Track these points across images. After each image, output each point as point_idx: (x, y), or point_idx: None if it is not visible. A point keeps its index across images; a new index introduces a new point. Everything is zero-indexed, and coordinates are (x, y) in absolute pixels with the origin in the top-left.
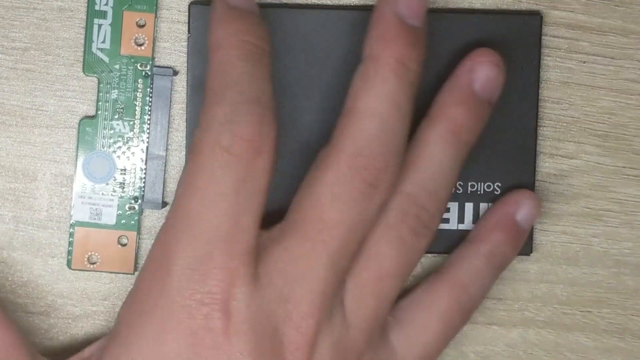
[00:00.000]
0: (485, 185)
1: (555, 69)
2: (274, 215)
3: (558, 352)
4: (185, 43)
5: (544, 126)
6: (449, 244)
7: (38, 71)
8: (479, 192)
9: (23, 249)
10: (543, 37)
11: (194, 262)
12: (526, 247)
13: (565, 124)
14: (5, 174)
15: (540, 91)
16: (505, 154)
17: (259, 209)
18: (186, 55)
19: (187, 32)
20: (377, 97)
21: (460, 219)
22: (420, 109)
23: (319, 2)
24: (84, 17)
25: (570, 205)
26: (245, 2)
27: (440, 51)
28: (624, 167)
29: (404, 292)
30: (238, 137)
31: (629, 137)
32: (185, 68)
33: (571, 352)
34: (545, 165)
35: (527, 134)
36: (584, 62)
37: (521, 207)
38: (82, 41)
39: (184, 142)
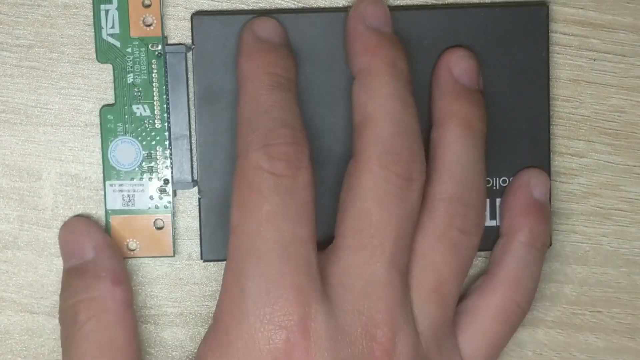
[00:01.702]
0: (501, 180)
1: (565, 67)
2: None
3: (567, 352)
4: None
5: (554, 124)
6: None
7: (43, 69)
8: (494, 188)
9: (28, 248)
10: (553, 35)
11: (265, 284)
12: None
13: (575, 122)
14: (9, 172)
15: (550, 89)
16: (519, 147)
17: (311, 222)
18: (192, 67)
19: (191, 43)
20: (384, 100)
21: None
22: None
23: (315, 6)
24: (89, 13)
25: (580, 204)
26: (273, 34)
27: (448, 45)
28: (634, 166)
29: (459, 297)
30: (275, 158)
31: None
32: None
33: (581, 352)
34: (555, 164)
35: (540, 126)
36: (595, 60)
37: (535, 185)
38: (87, 38)
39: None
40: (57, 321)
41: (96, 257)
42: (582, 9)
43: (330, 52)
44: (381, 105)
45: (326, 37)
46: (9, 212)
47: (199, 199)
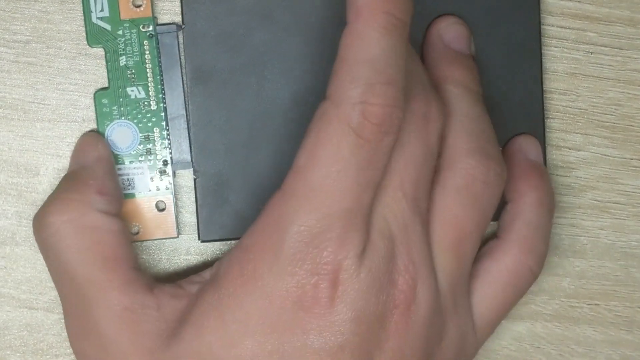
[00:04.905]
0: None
1: (562, 60)
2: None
3: (565, 345)
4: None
5: (551, 118)
6: None
7: (40, 64)
8: None
9: (26, 244)
10: (550, 28)
11: (309, 234)
12: None
13: (572, 116)
14: (7, 168)
15: (547, 82)
16: (514, 116)
17: (377, 185)
18: (183, 47)
19: (181, 23)
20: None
21: None
22: None
23: None
24: None
25: (578, 197)
26: None
27: (439, 14)
28: (631, 159)
29: None
30: (368, 121)
31: (637, 128)
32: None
33: (578, 345)
34: (552, 158)
35: (534, 94)
36: (591, 53)
37: (527, 149)
38: (85, 33)
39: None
40: (56, 317)
41: (93, 166)
42: (578, 2)
43: (313, 8)
44: (385, 53)
45: (318, 6)
46: (7, 208)
47: (195, 179)
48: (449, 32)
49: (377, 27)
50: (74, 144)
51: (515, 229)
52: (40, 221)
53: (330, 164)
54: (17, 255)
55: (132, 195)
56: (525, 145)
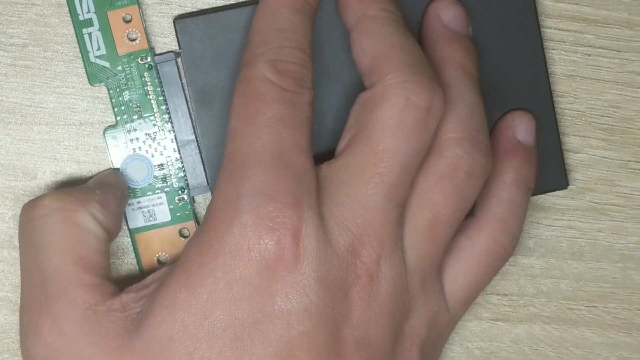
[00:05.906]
0: None
1: (560, 62)
2: None
3: (563, 348)
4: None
5: None
6: None
7: (37, 68)
8: None
9: None
10: (548, 30)
11: (261, 186)
12: (561, 181)
13: (570, 118)
14: (4, 172)
15: (542, 35)
16: (521, 99)
17: (310, 136)
18: (183, 72)
19: (178, 48)
20: (392, 36)
21: None
22: None
23: None
24: None
25: (576, 199)
26: None
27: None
28: (629, 161)
29: None
30: (282, 73)
31: (635, 130)
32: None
33: (577, 348)
34: None
35: (538, 74)
36: (589, 55)
37: (517, 127)
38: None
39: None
40: None
41: (105, 186)
42: (576, 4)
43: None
44: (390, 39)
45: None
46: (4, 212)
47: None
48: (447, 12)
49: (288, 5)
50: (71, 147)
51: (490, 208)
52: (34, 202)
53: (260, 114)
54: (14, 259)
55: (155, 227)
56: (518, 123)
